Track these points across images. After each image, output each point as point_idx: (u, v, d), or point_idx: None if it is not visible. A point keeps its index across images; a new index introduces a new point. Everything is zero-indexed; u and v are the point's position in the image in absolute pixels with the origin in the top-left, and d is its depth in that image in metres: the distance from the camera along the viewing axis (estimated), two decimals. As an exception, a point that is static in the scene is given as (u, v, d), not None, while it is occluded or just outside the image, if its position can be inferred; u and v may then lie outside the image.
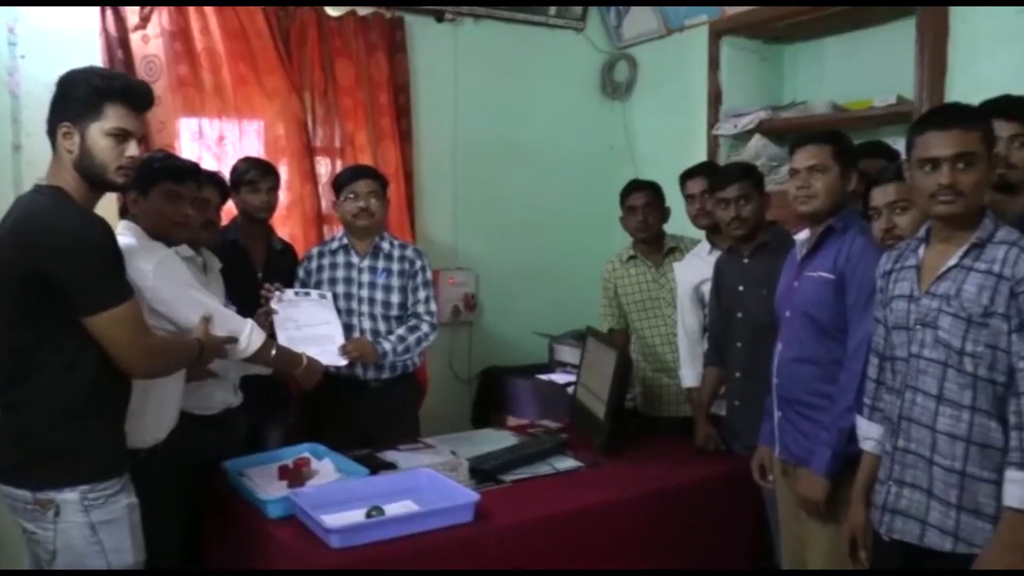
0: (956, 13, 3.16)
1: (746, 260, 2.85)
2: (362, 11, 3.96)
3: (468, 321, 4.45)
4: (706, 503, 2.80)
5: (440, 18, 4.24)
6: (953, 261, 1.88)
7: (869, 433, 2.11)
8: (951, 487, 1.85)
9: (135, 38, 3.46)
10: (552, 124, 4.59)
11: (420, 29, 4.18)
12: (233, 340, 2.41)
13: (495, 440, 3.15)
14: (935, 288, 1.90)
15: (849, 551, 2.15)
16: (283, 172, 3.60)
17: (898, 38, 3.36)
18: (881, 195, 2.24)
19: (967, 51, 3.15)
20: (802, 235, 2.44)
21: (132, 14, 3.44)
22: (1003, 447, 1.80)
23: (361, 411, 3.20)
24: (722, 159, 3.89)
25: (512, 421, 3.89)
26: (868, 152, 2.66)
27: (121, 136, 1.99)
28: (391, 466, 2.83)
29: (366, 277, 3.26)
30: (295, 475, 2.60)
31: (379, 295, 3.25)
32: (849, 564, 2.18)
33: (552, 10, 4.51)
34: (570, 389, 3.60)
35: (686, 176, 3.34)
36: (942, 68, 3.19)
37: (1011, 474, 1.77)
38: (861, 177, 2.38)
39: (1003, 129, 2.19)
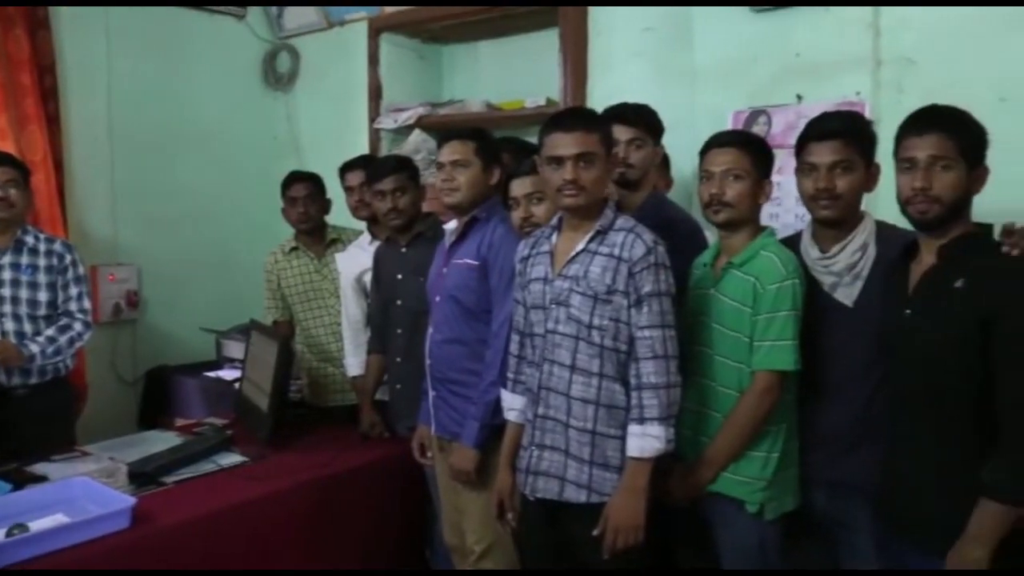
0: (594, 27, 3.54)
1: (404, 250, 2.96)
2: (-5, -16, 3.57)
3: (131, 319, 4.19)
4: (372, 484, 2.88)
5: (87, -6, 3.91)
6: (580, 246, 2.10)
7: (513, 404, 2.31)
8: (584, 445, 2.08)
9: None
10: (215, 112, 4.44)
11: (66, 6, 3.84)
12: None
13: (159, 442, 3.00)
14: (566, 271, 2.12)
15: (497, 514, 2.32)
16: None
17: (545, 46, 3.68)
18: (519, 187, 2.45)
19: (604, 61, 3.55)
20: (450, 225, 2.59)
21: None
22: (625, 406, 2.06)
23: (6, 422, 2.92)
24: (384, 152, 3.99)
25: (180, 422, 3.72)
26: (509, 148, 2.87)
27: None
28: (42, 479, 2.60)
29: (7, 274, 2.98)
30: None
31: (24, 293, 2.98)
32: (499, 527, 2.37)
33: (210, -8, 4.36)
34: (237, 385, 3.52)
35: (345, 169, 3.39)
36: (583, 75, 3.56)
37: (631, 428, 2.03)
38: (503, 171, 2.57)
39: (622, 133, 2.50)
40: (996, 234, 1.89)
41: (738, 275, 2.14)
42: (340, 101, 4.36)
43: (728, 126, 2.94)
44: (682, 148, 2.27)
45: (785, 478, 2.14)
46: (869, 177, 2.12)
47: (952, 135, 1.83)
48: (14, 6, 3.61)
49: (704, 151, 2.22)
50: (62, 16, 3.83)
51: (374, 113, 4.08)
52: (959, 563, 1.75)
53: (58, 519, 2.26)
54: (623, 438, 2.05)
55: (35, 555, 2.06)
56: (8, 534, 2.11)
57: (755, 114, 2.98)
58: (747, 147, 2.18)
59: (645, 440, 2.00)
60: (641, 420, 2.01)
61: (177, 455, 2.77)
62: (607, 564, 2.04)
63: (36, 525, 2.18)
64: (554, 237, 2.19)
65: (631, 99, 2.64)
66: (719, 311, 2.16)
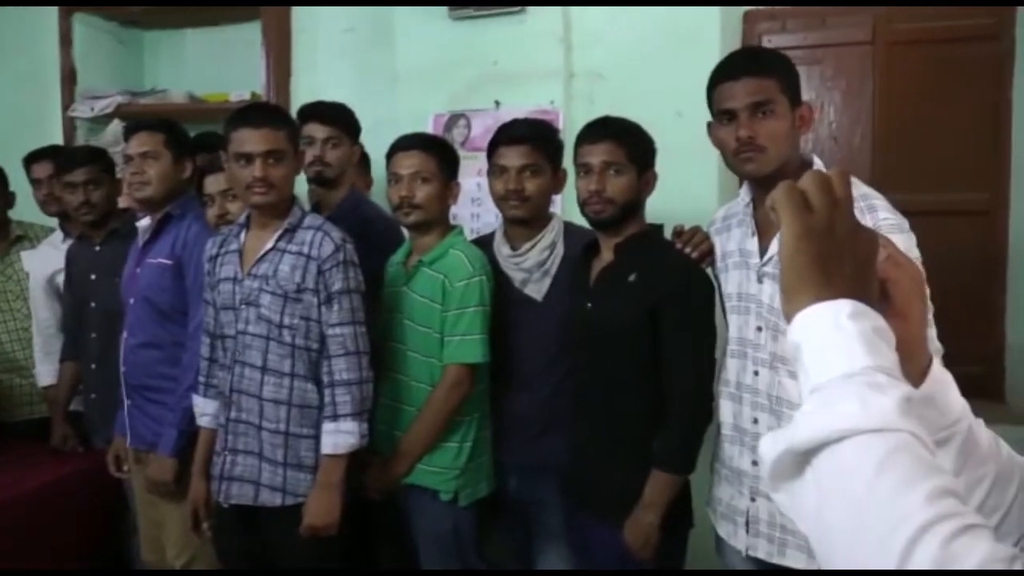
0: (297, 24, 3.50)
1: (98, 248, 2.78)
2: None
3: None
4: (65, 502, 2.69)
5: None
6: (269, 245, 2.09)
7: (205, 409, 2.24)
8: (278, 447, 2.07)
9: None
10: None
11: None
12: None
13: None
14: (256, 270, 2.09)
15: (192, 525, 2.25)
16: None
17: (251, 39, 3.57)
18: (214, 183, 2.38)
19: (307, 59, 3.52)
20: (144, 222, 2.47)
21: None
22: (318, 405, 2.07)
23: None
24: (80, 143, 3.70)
25: None
26: (203, 142, 2.79)
27: None
28: None
29: None
30: None
31: None
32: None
33: None
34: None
35: (30, 159, 3.14)
36: (287, 71, 3.50)
37: (326, 425, 2.05)
38: (196, 166, 2.49)
39: (318, 131, 2.51)
40: (668, 234, 2.09)
41: (428, 272, 2.21)
42: (29, 85, 3.95)
43: (429, 129, 3.02)
44: (384, 149, 2.30)
45: (478, 465, 2.24)
46: (556, 181, 2.28)
47: (623, 143, 2.01)
48: None
49: (390, 154, 2.28)
50: None
51: (68, 100, 3.77)
52: (636, 529, 1.93)
53: None
54: (316, 437, 2.07)
55: None
56: None
57: (455, 117, 3.08)
58: (432, 150, 2.25)
59: (339, 436, 2.03)
60: (335, 417, 2.04)
61: None
62: (304, 564, 2.05)
63: None
64: (243, 235, 2.16)
65: (335, 98, 2.65)
66: (411, 307, 2.22)
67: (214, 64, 3.79)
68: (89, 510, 2.77)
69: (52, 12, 3.81)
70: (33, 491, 2.63)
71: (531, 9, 2.95)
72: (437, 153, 2.25)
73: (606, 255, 2.08)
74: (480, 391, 2.23)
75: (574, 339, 2.15)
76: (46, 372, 3.01)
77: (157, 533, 2.49)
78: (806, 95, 2.07)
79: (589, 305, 2.07)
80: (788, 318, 0.70)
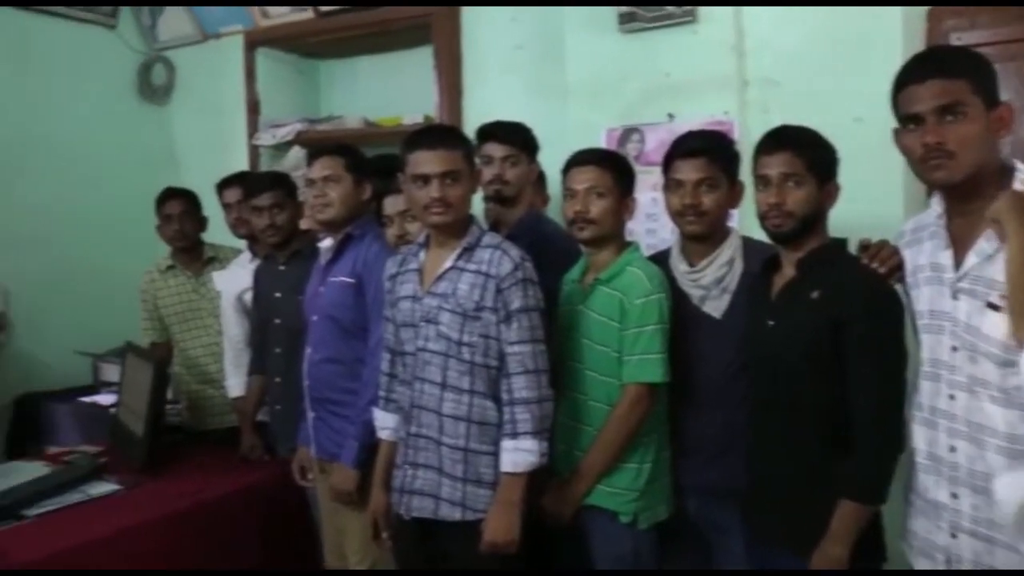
0: (467, 44, 3.57)
1: (282, 267, 2.91)
2: None
3: (-2, 343, 3.97)
4: (251, 509, 2.82)
5: (-58, -4, 3.73)
6: (448, 263, 2.11)
7: (385, 423, 2.29)
8: (457, 463, 2.08)
9: None
10: (86, 125, 4.27)
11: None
12: None
13: (24, 473, 2.84)
14: (435, 288, 2.12)
15: (372, 534, 2.30)
16: None
17: (421, 63, 3.68)
18: (392, 205, 2.45)
19: (477, 78, 3.58)
20: (325, 243, 2.56)
21: None
22: (498, 422, 2.08)
23: None
24: (263, 168, 3.93)
25: (53, 451, 3.55)
26: (381, 165, 2.87)
27: None
28: None
29: None
30: None
31: None
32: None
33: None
34: (113, 410, 3.40)
35: (222, 185, 3.33)
36: (458, 92, 3.58)
37: (504, 443, 2.05)
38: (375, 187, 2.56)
39: (497, 151, 2.53)
40: (852, 248, 1.98)
41: (605, 291, 2.18)
42: (218, 116, 4.26)
43: (602, 143, 3.00)
44: (556, 165, 2.30)
45: (658, 487, 2.19)
46: (733, 194, 2.21)
47: (802, 153, 1.92)
48: None
49: (566, 169, 2.26)
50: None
51: (252, 129, 4.01)
52: (823, 561, 1.83)
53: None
54: (496, 454, 2.06)
55: None
56: None
57: (628, 132, 3.04)
58: (607, 164, 2.23)
59: (518, 454, 2.02)
60: (514, 435, 2.03)
61: (40, 486, 2.65)
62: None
63: None
64: (422, 254, 2.19)
65: (505, 116, 2.66)
66: (588, 326, 2.20)
67: (386, 89, 3.94)
68: (276, 517, 2.88)
69: (238, 49, 4.07)
70: (223, 496, 2.77)
71: (702, 18, 2.89)
72: (612, 167, 2.23)
73: (787, 270, 1.99)
74: (659, 411, 2.18)
75: (752, 357, 2.07)
76: (235, 384, 3.16)
77: (340, 540, 2.57)
78: (1005, 95, 1.90)
79: (770, 323, 1.98)
80: (1020, 343, 0.62)
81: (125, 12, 4.42)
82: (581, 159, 2.25)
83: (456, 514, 2.08)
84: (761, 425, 2.03)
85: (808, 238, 1.94)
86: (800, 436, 1.92)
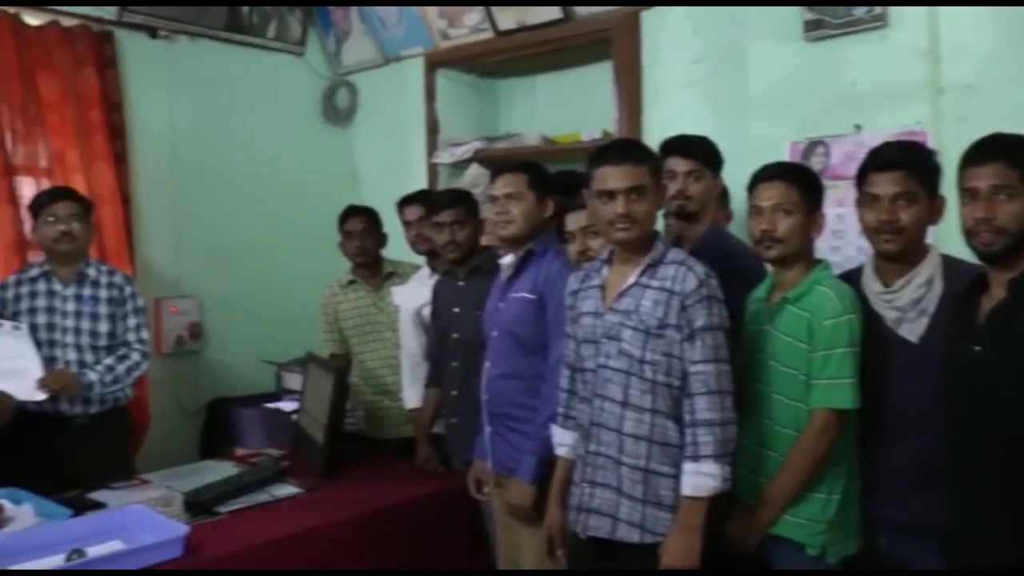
0: (647, 58, 3.54)
1: (461, 283, 2.96)
2: (67, 22, 3.71)
3: (193, 351, 4.27)
4: (425, 519, 2.86)
5: (154, 34, 4.05)
6: (632, 280, 2.08)
7: (563, 440, 2.28)
8: (637, 483, 2.04)
9: None
10: (275, 148, 4.53)
11: (132, 44, 3.98)
12: None
13: (216, 472, 3.04)
14: (617, 304, 2.09)
15: (548, 551, 2.30)
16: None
17: (599, 78, 3.69)
18: (574, 221, 2.45)
19: (657, 93, 3.54)
20: (506, 259, 2.58)
21: None
22: (679, 444, 2.02)
23: (67, 450, 2.99)
24: (442, 186, 4.03)
25: (240, 452, 3.77)
26: (563, 182, 2.88)
27: None
28: (100, 506, 2.65)
29: (71, 306, 3.07)
30: (-15, 525, 2.37)
31: (85, 324, 3.07)
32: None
33: (271, 32, 4.47)
34: (295, 416, 3.56)
35: (403, 203, 3.44)
36: (637, 107, 3.56)
37: (686, 466, 1.99)
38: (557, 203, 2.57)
39: (680, 165, 2.49)
40: None
41: (793, 310, 2.10)
42: (398, 136, 4.42)
43: (785, 157, 2.90)
44: (738, 180, 2.24)
45: (847, 520, 2.08)
46: (933, 209, 2.07)
47: (1015, 164, 1.78)
48: (87, 43, 3.76)
49: (751, 186, 2.20)
50: (128, 55, 3.96)
51: (431, 147, 4.13)
52: None
53: (114, 546, 2.30)
54: (677, 476, 2.01)
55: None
56: (67, 559, 2.17)
57: (813, 145, 2.94)
58: (794, 180, 2.15)
59: (700, 478, 1.96)
60: (696, 458, 1.97)
61: (232, 485, 2.81)
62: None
63: (93, 551, 2.23)
64: (604, 270, 2.17)
65: (685, 130, 2.63)
66: (774, 347, 2.12)
67: (564, 106, 3.97)
68: (447, 528, 2.91)
69: (418, 70, 4.21)
70: (398, 504, 2.83)
71: (892, 21, 2.76)
72: (799, 182, 2.15)
73: (997, 292, 1.85)
74: (849, 439, 2.07)
75: (955, 385, 1.92)
76: (412, 397, 3.23)
77: (516, 555, 2.57)
78: None
79: (977, 348, 1.84)
80: None
81: (312, 39, 4.68)
82: (767, 174, 2.18)
83: (635, 536, 2.04)
84: (968, 459, 1.88)
85: (1020, 257, 1.80)
86: (1009, 471, 1.77)
